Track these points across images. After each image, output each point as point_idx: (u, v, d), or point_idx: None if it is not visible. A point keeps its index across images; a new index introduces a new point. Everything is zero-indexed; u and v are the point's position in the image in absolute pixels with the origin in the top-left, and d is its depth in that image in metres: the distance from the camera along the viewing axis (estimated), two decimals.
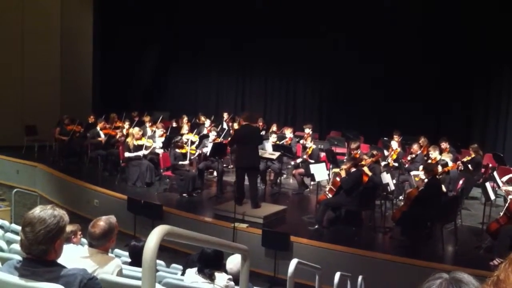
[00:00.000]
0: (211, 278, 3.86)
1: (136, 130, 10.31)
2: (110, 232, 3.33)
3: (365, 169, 8.21)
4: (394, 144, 10.58)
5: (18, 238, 3.32)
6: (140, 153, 10.08)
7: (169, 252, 7.02)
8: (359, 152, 9.78)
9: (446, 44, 12.96)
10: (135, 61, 17.19)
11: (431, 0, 13.25)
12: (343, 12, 14.21)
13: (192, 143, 10.61)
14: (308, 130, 11.74)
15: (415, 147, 10.07)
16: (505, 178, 8.99)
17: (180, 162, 9.73)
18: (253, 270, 5.51)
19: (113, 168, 10.97)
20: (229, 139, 9.42)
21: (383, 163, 9.70)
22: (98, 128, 11.42)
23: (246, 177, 8.61)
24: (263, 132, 11.69)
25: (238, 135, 8.80)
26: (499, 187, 8.96)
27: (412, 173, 9.39)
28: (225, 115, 14.42)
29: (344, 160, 9.01)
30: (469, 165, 9.73)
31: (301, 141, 11.63)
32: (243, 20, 15.67)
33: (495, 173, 9.07)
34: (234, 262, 4.12)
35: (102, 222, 3.33)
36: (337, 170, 8.45)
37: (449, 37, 12.87)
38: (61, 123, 12.30)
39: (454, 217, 7.69)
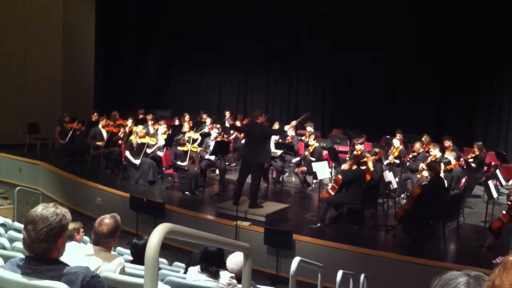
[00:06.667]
0: (216, 276, 3.86)
1: (140, 128, 10.28)
2: (117, 230, 3.36)
3: (369, 164, 8.19)
4: (396, 142, 10.57)
5: (20, 236, 3.32)
6: (137, 161, 9.97)
7: (171, 250, 7.03)
8: (362, 148, 9.77)
9: (447, 43, 12.92)
10: (137, 60, 17.22)
11: (432, 0, 13.23)
12: (345, 12, 14.19)
13: (194, 141, 10.61)
14: (310, 128, 11.73)
15: (417, 145, 10.05)
16: (511, 182, 9.00)
17: (179, 163, 9.70)
18: (256, 268, 5.51)
19: (115, 166, 10.99)
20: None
21: (385, 162, 9.68)
22: (100, 125, 11.39)
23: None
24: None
25: (246, 130, 9.04)
26: (502, 185, 8.94)
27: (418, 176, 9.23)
28: (227, 114, 14.42)
29: (346, 158, 8.99)
30: (472, 163, 9.71)
31: (302, 138, 11.61)
32: (245, 19, 15.65)
33: (497, 171, 9.05)
34: (235, 260, 4.12)
35: (109, 220, 3.35)
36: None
37: (451, 37, 12.84)
38: (61, 121, 12.27)
39: (456, 216, 7.69)
